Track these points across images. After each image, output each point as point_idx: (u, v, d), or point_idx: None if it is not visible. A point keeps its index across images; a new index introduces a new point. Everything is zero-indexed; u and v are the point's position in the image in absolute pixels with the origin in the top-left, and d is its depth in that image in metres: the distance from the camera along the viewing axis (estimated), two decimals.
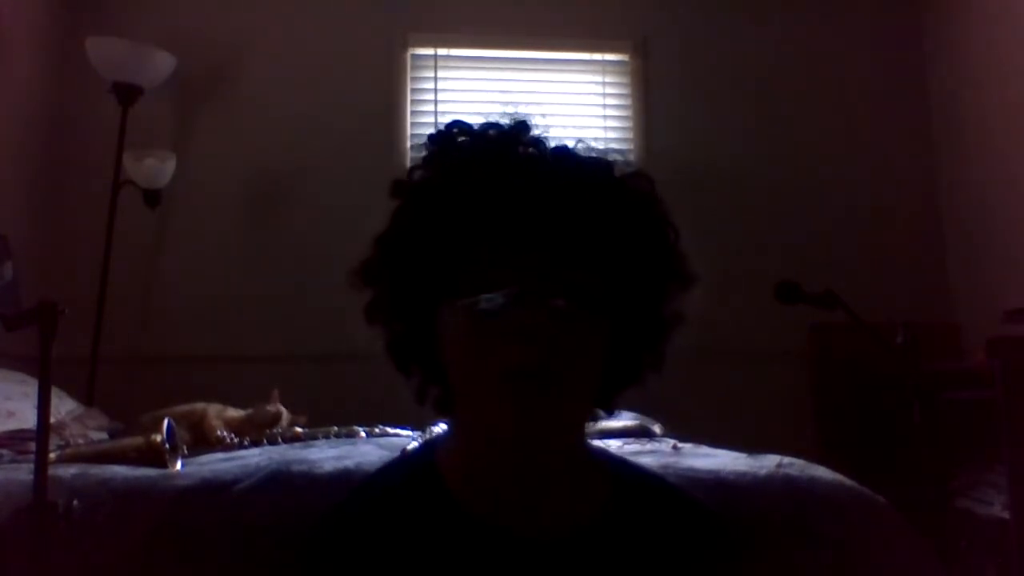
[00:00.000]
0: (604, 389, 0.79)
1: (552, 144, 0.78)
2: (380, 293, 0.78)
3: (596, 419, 0.82)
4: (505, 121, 0.78)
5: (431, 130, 0.81)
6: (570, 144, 0.79)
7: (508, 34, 3.43)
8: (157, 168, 2.94)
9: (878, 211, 3.42)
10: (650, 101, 3.44)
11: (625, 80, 3.49)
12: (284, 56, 3.33)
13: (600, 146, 0.80)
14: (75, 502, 1.13)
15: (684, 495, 0.84)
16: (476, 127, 0.78)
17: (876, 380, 2.82)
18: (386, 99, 3.33)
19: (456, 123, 0.79)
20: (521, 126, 0.78)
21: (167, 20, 3.24)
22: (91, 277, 2.85)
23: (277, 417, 1.99)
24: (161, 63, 2.93)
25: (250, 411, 2.03)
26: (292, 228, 3.21)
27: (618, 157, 0.79)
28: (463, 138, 0.78)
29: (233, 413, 2.02)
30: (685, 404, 2.49)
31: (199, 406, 2.01)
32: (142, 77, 2.89)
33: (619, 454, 0.90)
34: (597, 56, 3.51)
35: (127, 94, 2.88)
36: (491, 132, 0.77)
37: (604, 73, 3.50)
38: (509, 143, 0.76)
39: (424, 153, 0.79)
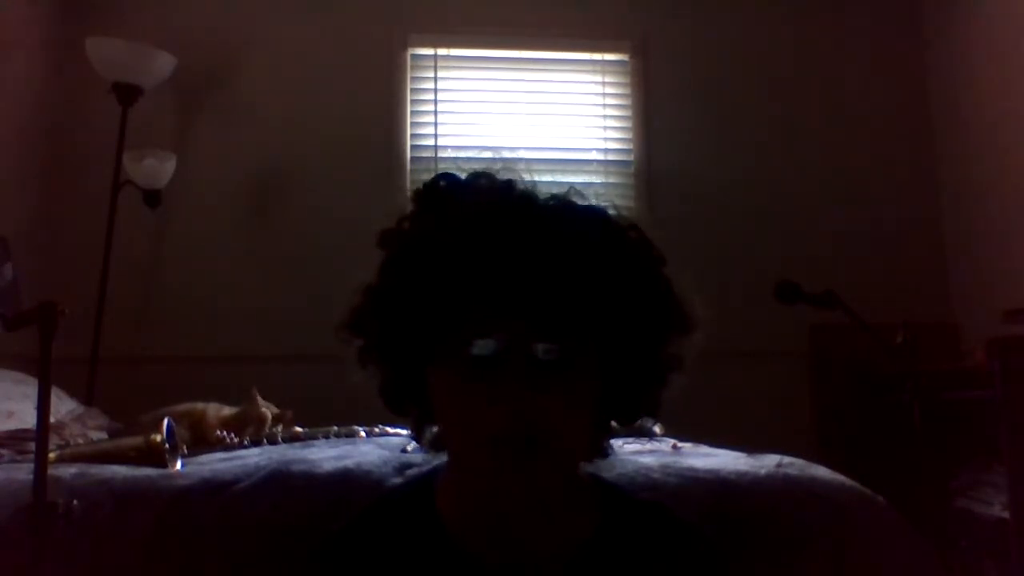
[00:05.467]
0: (597, 435, 0.79)
1: (543, 194, 0.76)
2: (370, 342, 0.78)
3: (590, 461, 0.81)
4: (495, 169, 0.77)
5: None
6: (562, 192, 0.77)
7: (508, 34, 3.43)
8: (157, 168, 2.93)
9: (878, 211, 3.42)
10: (650, 101, 3.44)
11: (625, 80, 3.48)
12: (284, 56, 3.33)
13: (591, 194, 0.79)
14: (75, 502, 1.13)
15: (676, 519, 0.83)
16: (465, 179, 0.78)
17: (876, 380, 2.82)
18: (386, 99, 3.33)
19: (444, 175, 0.79)
20: (511, 176, 0.77)
21: (167, 20, 3.24)
22: (91, 277, 2.85)
23: (264, 419, 1.98)
24: (161, 63, 2.93)
25: (240, 409, 2.03)
26: (292, 228, 3.21)
27: (608, 205, 0.79)
28: (452, 191, 0.78)
29: (229, 412, 2.02)
30: (686, 403, 2.49)
31: (198, 406, 2.01)
32: (142, 77, 2.88)
33: (612, 478, 0.89)
34: (597, 56, 3.50)
35: (127, 94, 2.88)
36: (481, 182, 0.77)
37: (604, 73, 3.50)
38: (499, 195, 0.75)
39: (411, 205, 0.78)
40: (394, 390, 0.79)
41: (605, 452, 0.81)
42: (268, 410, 2.02)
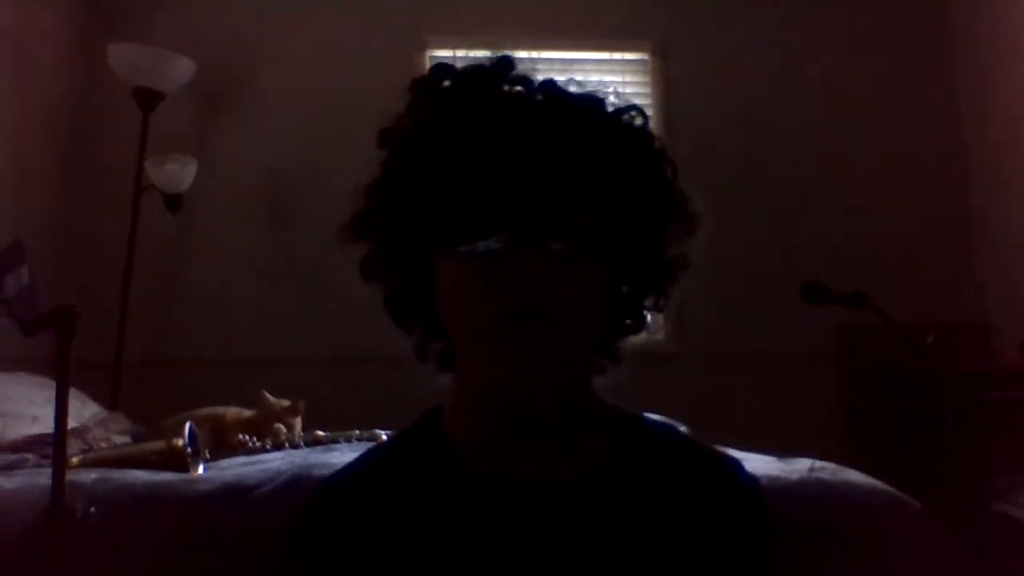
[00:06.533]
0: (607, 336, 0.76)
1: (539, 80, 0.75)
2: (374, 246, 0.77)
3: (603, 370, 0.78)
4: (489, 60, 0.76)
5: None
6: (559, 80, 0.76)
7: (526, 35, 3.40)
8: (178, 172, 2.95)
9: (906, 209, 3.35)
10: (670, 100, 3.41)
11: (645, 79, 3.46)
12: (303, 60, 3.34)
13: (591, 83, 0.77)
14: (92, 508, 1.12)
15: (698, 446, 0.80)
16: (460, 69, 0.76)
17: (906, 381, 2.77)
18: (405, 101, 3.31)
19: (440, 66, 0.77)
20: (505, 64, 0.75)
21: (187, 26, 3.26)
22: (114, 281, 2.86)
23: (279, 432, 1.97)
24: (181, 68, 2.94)
25: (255, 412, 2.03)
26: (313, 231, 3.19)
27: (609, 92, 0.77)
28: (447, 82, 0.76)
29: (249, 414, 2.02)
30: (712, 405, 2.45)
31: (220, 410, 2.01)
32: (163, 82, 2.90)
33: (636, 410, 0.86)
34: (617, 56, 3.49)
35: (148, 99, 2.89)
36: (475, 73, 0.75)
37: (624, 73, 3.47)
38: (494, 83, 0.74)
39: (408, 100, 0.77)
40: (400, 300, 0.77)
41: (617, 357, 0.78)
42: (279, 405, 2.02)
